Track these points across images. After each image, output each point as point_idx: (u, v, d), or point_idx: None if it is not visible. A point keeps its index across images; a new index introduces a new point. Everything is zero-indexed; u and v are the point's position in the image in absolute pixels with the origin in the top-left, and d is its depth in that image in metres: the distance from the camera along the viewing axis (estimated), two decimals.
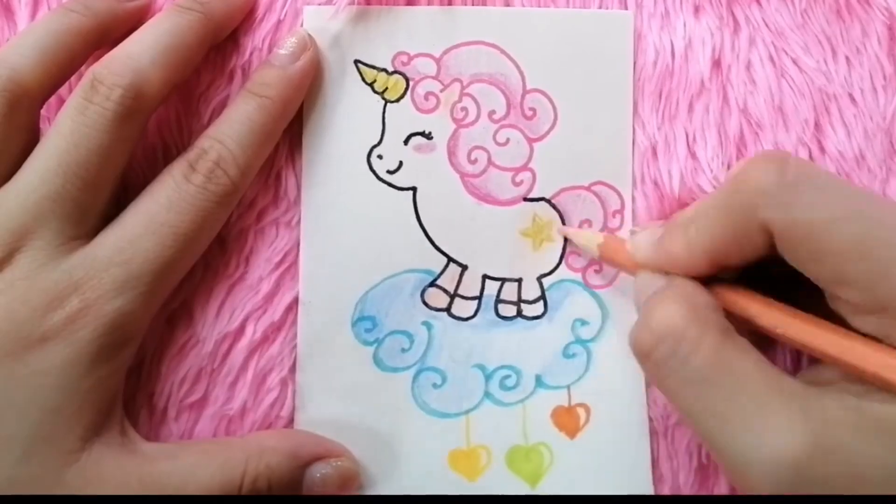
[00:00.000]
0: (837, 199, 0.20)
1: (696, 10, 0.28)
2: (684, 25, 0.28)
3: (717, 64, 0.28)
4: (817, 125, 0.27)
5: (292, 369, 0.27)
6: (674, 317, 0.21)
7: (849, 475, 0.19)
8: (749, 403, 0.19)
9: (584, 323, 0.27)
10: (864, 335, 0.20)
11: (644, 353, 0.21)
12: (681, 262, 0.22)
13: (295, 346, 0.27)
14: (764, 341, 0.23)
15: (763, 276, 0.23)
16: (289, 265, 0.27)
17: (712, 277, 0.23)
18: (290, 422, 0.26)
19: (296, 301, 0.27)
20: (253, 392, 0.26)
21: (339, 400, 0.26)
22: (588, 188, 0.27)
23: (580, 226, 0.27)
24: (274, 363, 0.27)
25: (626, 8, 0.28)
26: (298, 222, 0.27)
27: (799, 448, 0.19)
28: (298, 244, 0.27)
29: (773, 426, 0.19)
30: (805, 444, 0.19)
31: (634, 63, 0.27)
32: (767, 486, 0.19)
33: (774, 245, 0.21)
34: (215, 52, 0.27)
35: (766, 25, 0.28)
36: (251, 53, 0.27)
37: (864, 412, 0.19)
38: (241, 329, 0.27)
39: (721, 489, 0.27)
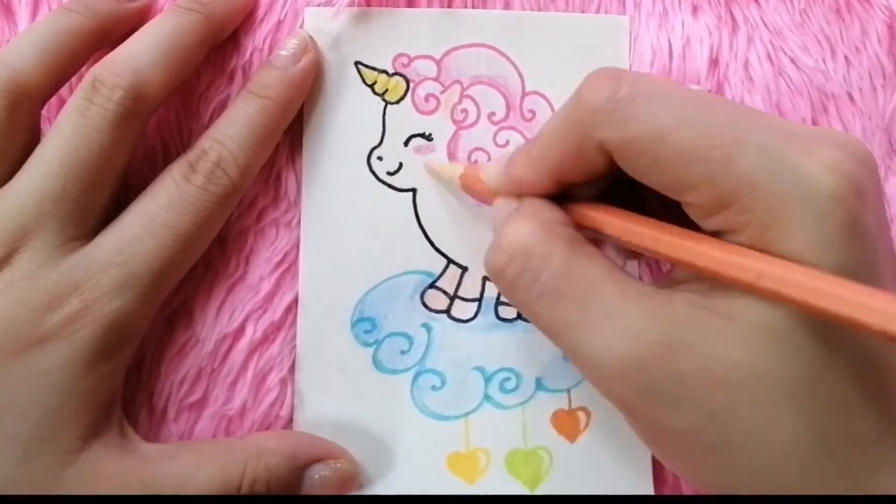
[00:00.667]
0: (669, 109, 0.20)
1: (695, 9, 0.28)
2: (682, 25, 0.28)
3: (714, 63, 0.28)
4: (815, 124, 0.27)
5: (292, 369, 0.27)
6: (523, 234, 0.21)
7: (701, 372, 0.19)
8: (599, 309, 0.20)
9: None
10: (715, 233, 0.20)
11: (497, 273, 0.21)
12: (527, 182, 0.23)
13: (295, 347, 0.27)
14: (630, 253, 0.23)
15: (627, 189, 0.23)
16: (289, 265, 0.27)
17: (567, 196, 0.23)
18: (290, 422, 0.26)
19: (296, 301, 0.27)
20: (253, 392, 0.26)
21: (338, 401, 0.26)
22: None
23: None
24: (274, 363, 0.27)
25: (625, 8, 0.28)
26: (298, 223, 0.27)
27: (643, 347, 0.19)
28: (298, 244, 0.27)
29: (620, 328, 0.19)
30: (649, 343, 0.19)
31: (631, 65, 0.27)
32: (622, 388, 0.20)
33: (615, 163, 0.21)
34: (216, 53, 0.27)
35: (765, 24, 0.28)
36: (252, 54, 0.27)
37: (711, 308, 0.19)
38: (240, 329, 0.27)
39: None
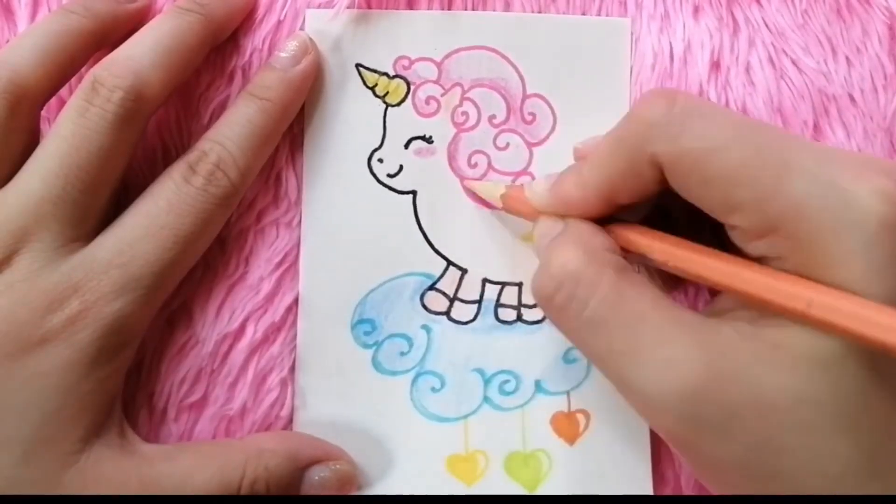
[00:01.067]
0: (722, 128, 0.20)
1: (696, 10, 0.28)
2: (684, 27, 0.28)
3: (716, 66, 0.27)
4: (816, 126, 0.27)
5: (292, 370, 0.27)
6: (571, 261, 0.21)
7: (751, 401, 0.19)
8: (647, 338, 0.20)
9: None
10: (759, 259, 0.20)
11: (546, 299, 0.21)
12: (575, 203, 0.23)
13: (295, 347, 0.27)
14: (674, 281, 0.23)
15: (665, 217, 0.23)
16: (289, 265, 0.27)
17: (611, 218, 0.23)
18: (290, 422, 0.26)
19: (296, 301, 0.27)
20: (253, 392, 0.26)
21: (337, 402, 0.26)
22: None
23: None
24: (274, 363, 0.27)
25: (626, 9, 0.28)
26: (299, 223, 0.27)
27: (695, 376, 0.19)
28: (299, 244, 0.27)
29: (670, 357, 0.19)
30: (701, 373, 0.19)
31: (633, 66, 0.27)
32: (671, 418, 0.19)
33: (666, 180, 0.21)
34: (215, 53, 0.27)
35: (766, 26, 0.28)
36: (251, 54, 0.27)
37: (759, 337, 0.19)
38: (241, 329, 0.26)
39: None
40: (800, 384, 0.19)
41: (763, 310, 0.20)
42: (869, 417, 0.19)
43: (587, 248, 0.21)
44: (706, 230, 0.21)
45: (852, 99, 0.28)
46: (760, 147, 0.19)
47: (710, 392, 0.19)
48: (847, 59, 0.28)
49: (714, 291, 0.23)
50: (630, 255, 0.22)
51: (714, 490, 0.22)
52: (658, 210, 0.23)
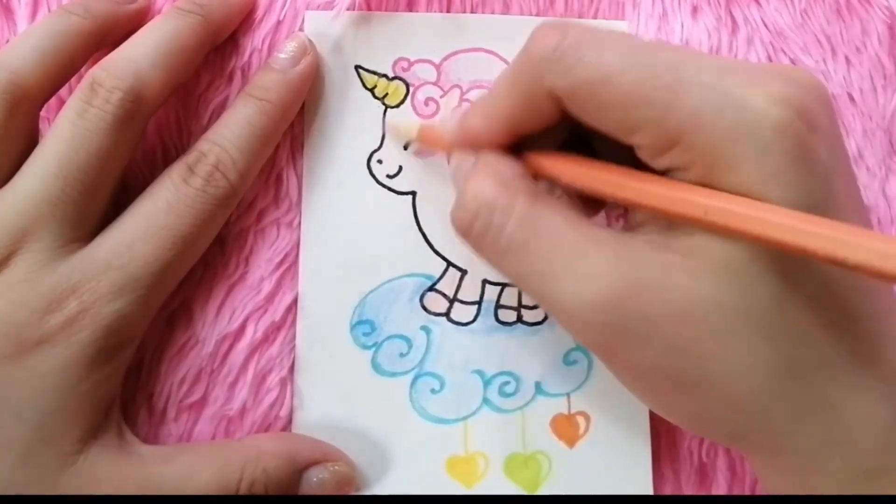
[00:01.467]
0: (614, 54, 0.20)
1: (694, 10, 0.28)
2: (682, 27, 0.28)
3: None
4: None
5: (292, 370, 0.26)
6: (483, 190, 0.21)
7: (666, 308, 0.19)
8: (564, 256, 0.20)
9: None
10: (666, 172, 0.20)
11: (464, 231, 0.22)
12: (483, 135, 0.23)
13: (294, 347, 0.27)
14: (593, 205, 0.23)
15: (585, 142, 0.23)
16: (289, 265, 0.27)
17: (524, 147, 0.23)
18: (290, 422, 0.26)
19: (296, 301, 0.27)
20: (252, 392, 0.26)
21: (337, 403, 0.26)
22: None
23: None
24: (274, 363, 0.27)
25: (623, 10, 0.28)
26: (300, 223, 0.27)
27: (610, 288, 0.19)
28: (299, 245, 0.27)
29: (586, 272, 0.20)
30: (615, 283, 0.19)
31: None
32: (590, 330, 0.20)
33: (566, 110, 0.21)
34: (215, 53, 0.27)
35: (765, 25, 0.28)
36: (250, 54, 0.27)
37: (670, 247, 0.20)
38: (240, 329, 0.26)
39: (720, 489, 0.27)
40: (711, 290, 0.19)
41: (671, 221, 0.20)
42: (783, 320, 0.19)
43: (499, 176, 0.22)
44: (616, 154, 0.21)
45: (851, 98, 0.28)
46: (655, 66, 0.20)
47: (626, 301, 0.19)
48: (846, 58, 0.28)
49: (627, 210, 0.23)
50: (542, 181, 0.22)
51: (641, 399, 0.22)
52: (577, 136, 0.23)
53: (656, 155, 0.20)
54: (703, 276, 0.19)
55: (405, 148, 0.27)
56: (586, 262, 0.20)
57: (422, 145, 0.26)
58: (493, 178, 0.21)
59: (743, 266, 0.19)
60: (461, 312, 0.27)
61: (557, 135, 0.23)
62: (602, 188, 0.21)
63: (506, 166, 0.22)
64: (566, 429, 0.27)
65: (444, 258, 0.27)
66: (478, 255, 0.22)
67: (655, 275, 0.19)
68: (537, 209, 0.21)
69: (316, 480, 0.25)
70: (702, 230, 0.19)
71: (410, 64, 0.27)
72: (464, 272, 0.27)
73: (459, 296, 0.27)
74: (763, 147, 0.18)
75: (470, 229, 0.21)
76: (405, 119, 0.27)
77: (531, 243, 0.21)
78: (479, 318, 0.27)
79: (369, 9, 0.27)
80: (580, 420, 0.27)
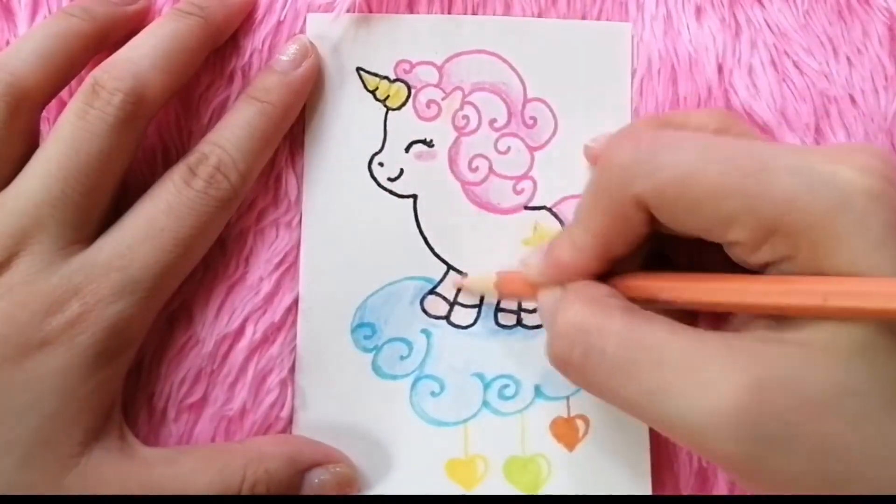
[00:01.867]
0: (692, 151, 0.20)
1: (698, 11, 0.28)
2: (687, 28, 0.28)
3: (718, 69, 0.27)
4: (818, 129, 0.27)
5: (292, 370, 0.27)
6: (577, 315, 0.21)
7: (799, 402, 0.18)
8: (674, 369, 0.19)
9: None
10: (766, 267, 0.20)
11: (564, 363, 0.21)
12: (572, 267, 0.22)
13: (294, 347, 0.27)
14: (688, 320, 0.22)
15: (663, 263, 0.23)
16: (289, 266, 0.27)
17: (608, 275, 0.23)
18: (290, 423, 0.26)
19: (296, 302, 0.27)
20: (252, 393, 0.26)
21: (337, 406, 0.26)
22: None
23: None
24: (274, 364, 0.27)
25: (627, 12, 0.28)
26: (299, 223, 0.27)
27: (737, 392, 0.18)
28: (299, 245, 0.27)
29: (705, 381, 0.18)
30: (742, 386, 0.18)
31: (636, 69, 0.27)
32: (724, 444, 0.18)
33: (655, 220, 0.21)
34: (215, 54, 0.27)
35: (769, 27, 0.28)
36: (251, 55, 0.27)
37: (784, 341, 0.19)
38: (240, 330, 0.26)
39: (720, 491, 0.27)
40: (840, 376, 0.18)
41: (779, 317, 0.19)
42: None
43: (588, 299, 0.21)
44: (703, 265, 0.21)
45: (853, 100, 0.28)
46: (734, 157, 0.20)
47: (756, 404, 0.18)
48: (848, 59, 0.28)
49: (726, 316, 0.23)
50: (639, 304, 0.22)
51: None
52: (653, 257, 0.23)
53: (755, 248, 0.20)
54: (830, 364, 0.18)
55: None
56: (703, 371, 0.19)
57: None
58: (585, 300, 0.21)
59: (869, 345, 0.18)
60: (461, 316, 0.27)
61: (636, 261, 0.23)
62: (709, 298, 0.20)
63: (595, 289, 0.22)
64: (565, 432, 0.27)
65: (444, 262, 0.27)
66: (584, 388, 0.21)
67: (779, 371, 0.18)
68: (637, 323, 0.20)
69: (317, 482, 0.25)
70: (813, 318, 0.19)
71: (412, 66, 0.27)
72: (464, 276, 0.27)
73: (460, 299, 0.27)
74: (861, 217, 0.18)
75: (570, 359, 0.20)
76: (478, 276, 0.26)
77: (636, 361, 0.19)
78: (478, 322, 0.27)
79: (370, 10, 0.27)
80: (579, 423, 0.27)
